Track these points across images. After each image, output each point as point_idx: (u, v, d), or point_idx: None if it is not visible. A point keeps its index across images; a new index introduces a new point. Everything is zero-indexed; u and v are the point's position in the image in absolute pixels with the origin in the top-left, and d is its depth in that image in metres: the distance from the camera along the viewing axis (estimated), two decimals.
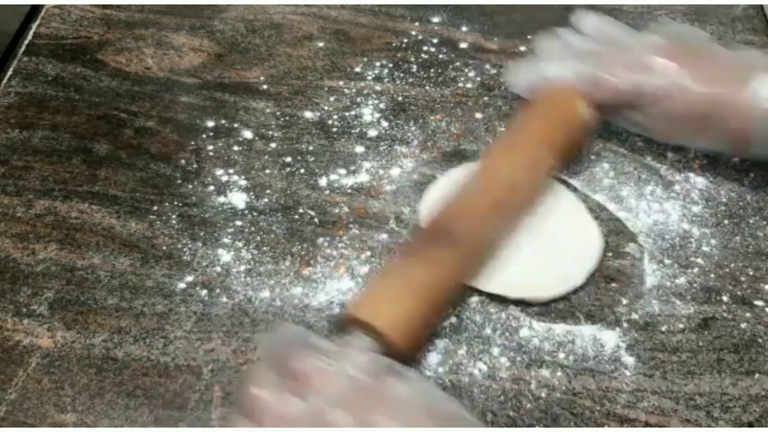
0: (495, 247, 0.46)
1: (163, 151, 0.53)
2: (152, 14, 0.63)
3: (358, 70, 0.58)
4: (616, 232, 0.49)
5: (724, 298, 0.46)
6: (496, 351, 0.44)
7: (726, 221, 0.50)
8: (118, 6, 0.63)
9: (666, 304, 0.46)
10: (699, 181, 0.52)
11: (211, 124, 0.55)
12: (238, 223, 0.50)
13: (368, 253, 0.48)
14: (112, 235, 0.49)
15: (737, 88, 0.47)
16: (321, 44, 0.60)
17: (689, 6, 0.62)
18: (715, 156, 0.53)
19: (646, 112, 0.50)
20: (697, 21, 0.61)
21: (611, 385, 0.43)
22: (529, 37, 0.59)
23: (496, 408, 0.42)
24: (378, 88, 0.57)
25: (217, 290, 0.46)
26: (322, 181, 0.52)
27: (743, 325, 0.45)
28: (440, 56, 0.59)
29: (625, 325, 0.45)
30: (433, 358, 0.44)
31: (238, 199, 0.51)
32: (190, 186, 0.51)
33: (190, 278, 0.47)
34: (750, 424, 0.41)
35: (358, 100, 0.56)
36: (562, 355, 0.44)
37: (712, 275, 0.47)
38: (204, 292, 0.46)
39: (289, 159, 0.53)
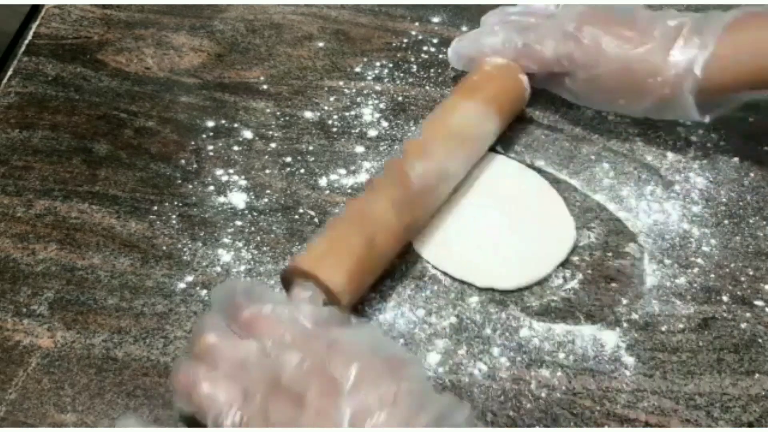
0: (418, 187, 0.46)
1: (163, 151, 0.53)
2: (152, 14, 0.63)
3: (358, 70, 0.58)
4: (616, 232, 0.49)
5: (724, 298, 0.46)
6: (496, 351, 0.44)
7: (726, 221, 0.50)
8: (118, 6, 0.63)
9: (666, 304, 0.46)
10: (699, 181, 0.52)
11: (211, 124, 0.55)
12: (238, 223, 0.50)
13: None
14: (112, 235, 0.49)
15: (657, 51, 0.48)
16: (321, 44, 0.60)
17: (689, 6, 0.62)
18: (715, 156, 0.53)
19: (575, 78, 0.51)
20: None
21: (611, 385, 0.43)
22: None
23: (496, 408, 0.42)
24: (378, 88, 0.57)
25: None
26: (322, 181, 0.52)
27: (743, 325, 0.45)
28: (440, 56, 0.59)
29: (625, 325, 0.45)
30: (433, 358, 0.44)
31: (238, 199, 0.51)
32: (190, 186, 0.51)
33: (190, 278, 0.47)
34: (750, 424, 0.41)
35: (358, 100, 0.56)
36: (562, 355, 0.44)
37: (712, 275, 0.47)
38: (204, 292, 0.46)
39: (289, 159, 0.53)
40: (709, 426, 0.41)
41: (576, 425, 0.41)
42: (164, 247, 0.48)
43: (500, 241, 0.48)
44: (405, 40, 0.60)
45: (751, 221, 0.50)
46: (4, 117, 0.55)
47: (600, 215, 0.50)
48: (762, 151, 0.53)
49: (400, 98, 0.56)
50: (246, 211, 0.50)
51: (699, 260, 0.48)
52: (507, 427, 0.41)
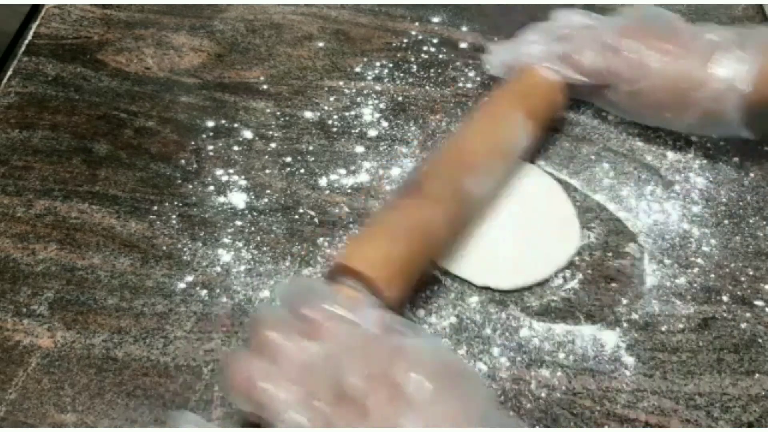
0: (466, 202, 0.46)
1: (163, 151, 0.53)
2: (152, 14, 0.63)
3: (358, 70, 0.58)
4: (616, 232, 0.49)
5: (724, 298, 0.46)
6: (496, 351, 0.44)
7: (726, 221, 0.50)
8: (118, 6, 0.63)
9: (666, 304, 0.46)
10: (699, 181, 0.52)
11: (211, 124, 0.55)
12: (238, 223, 0.50)
13: None
14: (112, 235, 0.49)
15: (699, 65, 0.48)
16: (321, 44, 0.60)
17: (689, 6, 0.62)
18: (715, 156, 0.53)
19: (617, 91, 0.51)
20: (697, 21, 0.61)
21: (611, 385, 0.43)
22: None
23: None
24: (378, 88, 0.57)
25: (217, 290, 0.46)
26: (322, 181, 0.52)
27: (743, 325, 0.45)
28: (440, 56, 0.59)
29: (625, 325, 0.45)
30: None
31: (238, 199, 0.51)
32: (190, 186, 0.51)
33: (190, 278, 0.47)
34: (750, 424, 0.41)
35: (358, 100, 0.56)
36: (562, 355, 0.44)
37: (712, 275, 0.47)
38: (204, 292, 0.46)
39: (289, 159, 0.53)
40: (709, 426, 0.41)
41: (576, 425, 0.41)
42: (164, 247, 0.48)
43: (503, 241, 0.48)
44: (405, 40, 0.60)
45: (751, 221, 0.50)
46: (4, 117, 0.55)
47: (600, 215, 0.50)
48: (762, 151, 0.53)
49: (400, 98, 0.56)
50: (246, 211, 0.50)
51: (699, 260, 0.48)
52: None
